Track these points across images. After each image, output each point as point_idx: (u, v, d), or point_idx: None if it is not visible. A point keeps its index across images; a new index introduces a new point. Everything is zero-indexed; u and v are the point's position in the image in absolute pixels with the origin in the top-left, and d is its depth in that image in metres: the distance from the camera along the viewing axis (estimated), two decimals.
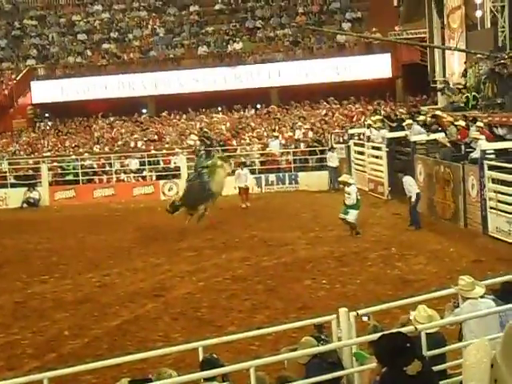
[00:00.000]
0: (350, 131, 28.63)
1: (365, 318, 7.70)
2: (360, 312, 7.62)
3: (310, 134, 30.24)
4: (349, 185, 19.55)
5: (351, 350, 7.45)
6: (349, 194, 19.21)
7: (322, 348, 7.55)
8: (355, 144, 27.34)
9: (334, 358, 7.51)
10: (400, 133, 23.98)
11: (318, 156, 28.40)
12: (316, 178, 27.75)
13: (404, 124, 24.22)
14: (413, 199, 19.51)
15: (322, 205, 24.26)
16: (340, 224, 19.54)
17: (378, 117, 28.06)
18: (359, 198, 19.36)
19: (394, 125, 25.78)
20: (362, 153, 26.75)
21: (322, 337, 7.98)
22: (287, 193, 27.73)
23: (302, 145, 29.66)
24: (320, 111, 34.18)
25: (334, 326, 7.51)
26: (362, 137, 27.13)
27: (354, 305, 10.03)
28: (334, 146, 28.18)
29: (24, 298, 15.63)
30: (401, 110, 29.76)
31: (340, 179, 21.07)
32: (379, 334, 6.69)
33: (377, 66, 36.22)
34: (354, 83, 35.29)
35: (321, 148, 28.57)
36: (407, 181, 19.83)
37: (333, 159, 27.40)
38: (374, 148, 25.61)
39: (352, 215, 19.15)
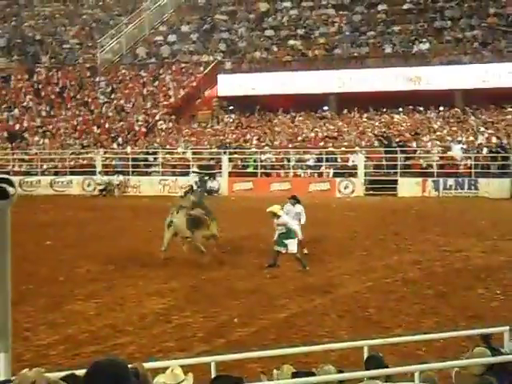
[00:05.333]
0: None
1: None
2: None
3: (494, 139, 29.25)
4: (278, 217, 17.16)
5: None
6: (282, 225, 17.01)
7: (499, 358, 7.16)
8: None
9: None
10: None
11: (501, 162, 27.41)
12: (497, 185, 26.78)
13: None
14: None
15: (502, 213, 23.44)
16: None
17: None
18: (293, 228, 17.03)
19: None
20: None
21: (496, 348, 7.66)
22: (465, 198, 26.97)
23: (485, 150, 28.77)
24: (505, 116, 32.96)
25: (507, 337, 7.25)
26: None
27: None
28: None
29: (198, 283, 16.18)
30: None
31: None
32: None
33: None
34: None
35: (504, 154, 27.56)
36: None
37: None
38: None
39: (292, 245, 16.93)
